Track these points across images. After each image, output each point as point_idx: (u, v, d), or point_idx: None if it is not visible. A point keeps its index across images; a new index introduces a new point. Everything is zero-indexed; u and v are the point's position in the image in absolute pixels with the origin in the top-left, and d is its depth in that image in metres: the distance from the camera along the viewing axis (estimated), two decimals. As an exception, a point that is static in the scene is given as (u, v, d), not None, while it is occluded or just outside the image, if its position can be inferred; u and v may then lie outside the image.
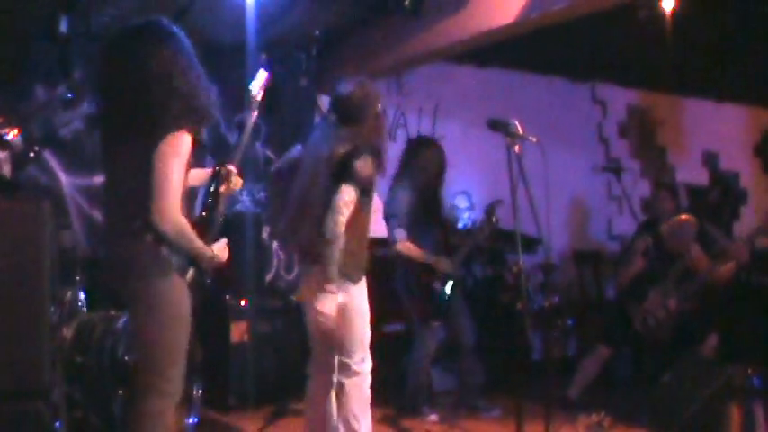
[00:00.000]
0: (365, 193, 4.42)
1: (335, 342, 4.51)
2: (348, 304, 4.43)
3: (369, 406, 4.56)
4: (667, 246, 6.35)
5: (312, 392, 4.69)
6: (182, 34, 3.66)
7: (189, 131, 3.36)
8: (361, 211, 4.44)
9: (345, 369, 4.49)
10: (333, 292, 4.37)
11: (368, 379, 4.55)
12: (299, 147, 4.65)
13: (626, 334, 6.43)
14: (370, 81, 4.83)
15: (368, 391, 4.56)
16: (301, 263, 4.59)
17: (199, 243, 3.43)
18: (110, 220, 3.58)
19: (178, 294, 3.43)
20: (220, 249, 3.58)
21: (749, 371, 4.83)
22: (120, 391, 4.80)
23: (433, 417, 6.16)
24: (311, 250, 4.43)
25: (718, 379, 4.97)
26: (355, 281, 4.44)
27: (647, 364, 6.93)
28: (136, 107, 3.37)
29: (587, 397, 6.36)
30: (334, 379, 4.59)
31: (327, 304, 4.41)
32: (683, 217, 6.45)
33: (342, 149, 4.38)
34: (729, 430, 4.73)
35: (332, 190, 4.33)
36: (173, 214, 3.30)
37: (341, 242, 4.30)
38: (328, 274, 4.30)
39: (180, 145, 3.32)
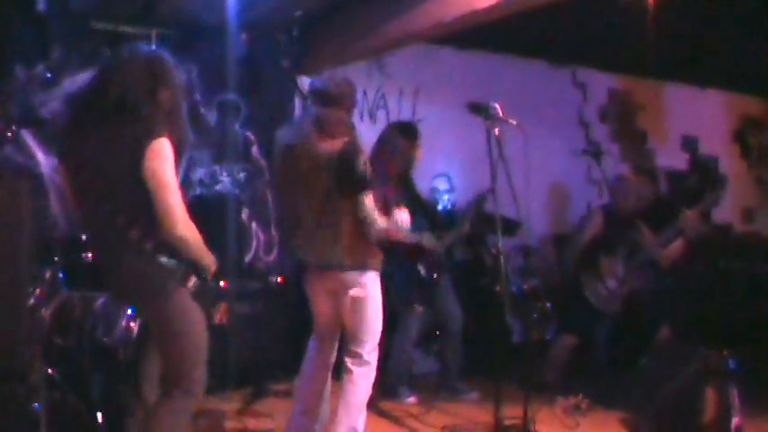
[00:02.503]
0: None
1: (348, 332, 4.58)
2: (364, 295, 4.48)
3: (368, 397, 4.62)
4: (618, 215, 6.42)
5: (310, 372, 4.73)
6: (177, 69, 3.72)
7: (165, 137, 3.38)
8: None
9: (357, 358, 4.55)
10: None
11: (374, 371, 4.61)
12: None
13: (585, 318, 6.47)
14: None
15: (371, 383, 4.61)
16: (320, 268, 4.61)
17: (203, 245, 3.51)
18: (98, 234, 3.59)
19: (189, 302, 3.51)
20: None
21: (725, 354, 4.87)
22: (100, 373, 4.79)
23: (413, 399, 6.19)
24: (333, 262, 4.46)
25: (694, 362, 5.01)
26: (374, 268, 4.50)
27: (623, 347, 6.97)
28: (118, 121, 3.40)
29: (565, 380, 6.40)
30: (332, 360, 4.72)
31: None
32: (625, 174, 6.58)
33: (332, 148, 4.36)
34: (706, 413, 4.77)
35: (338, 197, 4.37)
36: (183, 217, 3.36)
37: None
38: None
39: (165, 149, 3.35)
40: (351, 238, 4.39)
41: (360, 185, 4.33)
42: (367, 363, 4.55)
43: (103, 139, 3.38)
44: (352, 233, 4.39)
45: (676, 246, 6.30)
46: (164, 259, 3.38)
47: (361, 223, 4.40)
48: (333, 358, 4.76)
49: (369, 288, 4.50)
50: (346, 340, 4.62)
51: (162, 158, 3.32)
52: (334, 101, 4.53)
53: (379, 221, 4.43)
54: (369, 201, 4.38)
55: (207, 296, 3.65)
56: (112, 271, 3.58)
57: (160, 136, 3.34)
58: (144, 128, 3.33)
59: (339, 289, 4.51)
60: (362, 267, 4.46)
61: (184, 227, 3.35)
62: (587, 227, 6.56)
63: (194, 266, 3.50)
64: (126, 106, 3.39)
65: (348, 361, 4.56)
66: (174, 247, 3.38)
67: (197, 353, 3.55)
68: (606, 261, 6.27)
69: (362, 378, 4.54)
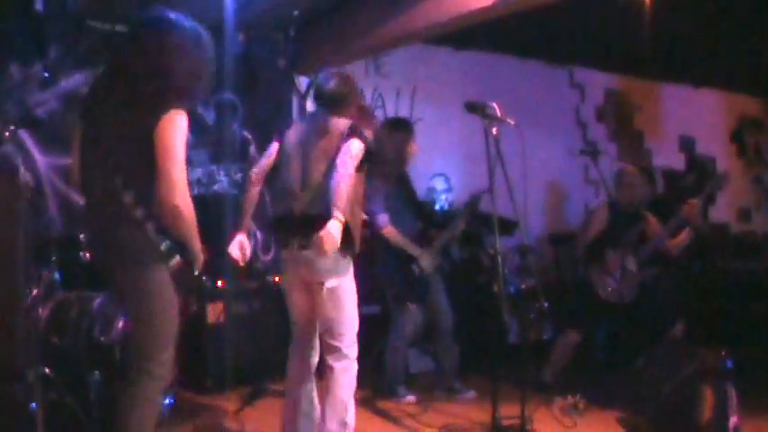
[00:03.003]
0: (363, 163, 4.39)
1: (325, 325, 4.52)
2: (338, 287, 4.42)
3: (354, 390, 4.56)
4: (623, 208, 6.42)
5: (293, 374, 4.69)
6: (183, 24, 3.69)
7: (185, 111, 3.40)
8: (357, 184, 4.42)
9: (335, 352, 4.50)
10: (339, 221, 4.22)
11: (356, 365, 4.55)
12: (275, 143, 4.63)
13: (592, 314, 6.47)
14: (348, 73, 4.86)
15: (355, 378, 4.55)
16: (292, 240, 4.53)
17: (195, 230, 3.48)
18: (95, 201, 3.56)
19: (165, 280, 3.47)
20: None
21: (722, 353, 4.87)
22: (97, 372, 4.79)
23: (410, 398, 6.18)
24: (311, 217, 4.35)
25: (691, 361, 5.01)
26: (346, 256, 4.41)
27: (622, 346, 6.98)
28: (134, 91, 3.40)
29: (562, 380, 6.40)
30: (315, 360, 4.64)
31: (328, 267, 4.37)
32: (627, 168, 6.59)
33: (344, 124, 4.40)
34: (703, 412, 4.77)
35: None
36: (182, 188, 3.33)
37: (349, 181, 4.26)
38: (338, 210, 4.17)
39: (181, 121, 3.36)
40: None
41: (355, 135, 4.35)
42: (346, 356, 4.49)
43: (121, 112, 3.38)
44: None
45: (683, 236, 6.30)
46: (151, 230, 3.37)
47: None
48: (315, 358, 4.72)
49: (344, 280, 4.45)
50: (324, 336, 4.56)
51: (175, 128, 3.33)
52: (341, 103, 4.56)
53: (350, 167, 4.29)
54: (355, 148, 4.31)
55: (186, 281, 3.59)
56: (100, 234, 3.55)
57: (178, 109, 3.36)
58: (164, 98, 3.34)
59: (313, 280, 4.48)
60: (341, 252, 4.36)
61: (181, 199, 3.32)
62: (593, 221, 6.55)
63: (181, 247, 3.47)
64: (141, 83, 3.39)
65: (327, 358, 4.52)
66: (165, 222, 3.36)
67: (166, 335, 3.50)
68: (613, 254, 6.26)
69: (343, 372, 4.48)
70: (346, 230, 4.23)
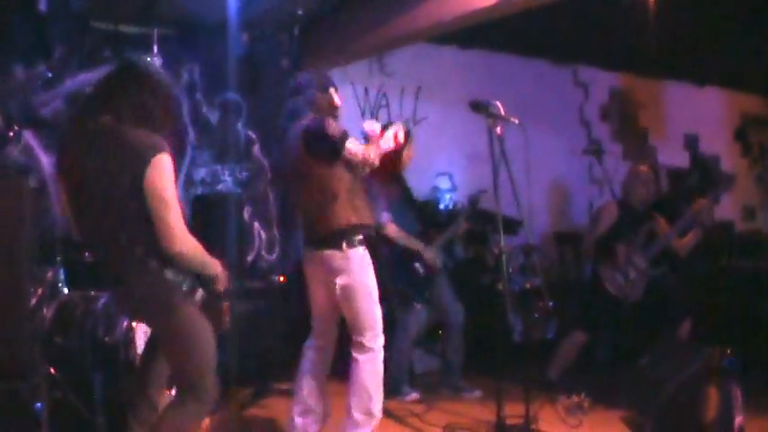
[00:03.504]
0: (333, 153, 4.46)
1: (347, 322, 4.63)
2: (351, 284, 4.50)
3: (381, 382, 4.65)
4: (632, 207, 6.42)
5: (305, 367, 4.78)
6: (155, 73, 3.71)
7: (167, 152, 3.38)
8: (355, 180, 4.53)
9: (358, 346, 4.59)
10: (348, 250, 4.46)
11: (381, 354, 4.64)
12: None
13: (601, 315, 6.46)
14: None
15: (381, 367, 4.64)
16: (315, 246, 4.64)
17: (208, 257, 3.51)
18: (106, 258, 3.57)
19: (195, 314, 3.51)
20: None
21: (727, 352, 4.86)
22: (101, 372, 4.80)
23: (414, 395, 6.19)
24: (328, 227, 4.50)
25: (696, 360, 5.00)
26: (354, 244, 4.48)
27: (626, 346, 6.97)
28: (117, 137, 3.39)
29: (567, 379, 6.39)
30: (329, 356, 4.79)
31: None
32: (641, 167, 6.58)
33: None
34: (707, 411, 4.76)
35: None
36: (182, 233, 3.34)
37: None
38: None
39: (167, 164, 3.35)
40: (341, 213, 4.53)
41: (332, 147, 4.42)
42: (370, 349, 4.59)
43: (103, 156, 3.37)
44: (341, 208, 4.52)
45: (690, 236, 6.30)
46: (170, 274, 3.39)
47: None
48: (330, 354, 4.80)
49: (358, 275, 4.53)
50: (348, 331, 4.67)
51: (162, 174, 3.31)
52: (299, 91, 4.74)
53: (370, 150, 4.49)
54: (353, 145, 4.44)
55: (214, 307, 3.64)
56: (119, 286, 3.59)
57: (161, 152, 3.33)
58: (144, 143, 3.33)
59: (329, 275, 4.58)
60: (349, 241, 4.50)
61: (182, 243, 3.34)
62: (602, 218, 6.54)
63: (199, 279, 3.51)
64: (124, 122, 3.40)
65: (352, 351, 4.61)
66: (176, 263, 3.39)
67: (205, 363, 3.55)
68: (623, 250, 6.26)
69: (368, 363, 4.58)
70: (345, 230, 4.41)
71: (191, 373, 3.53)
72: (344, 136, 4.42)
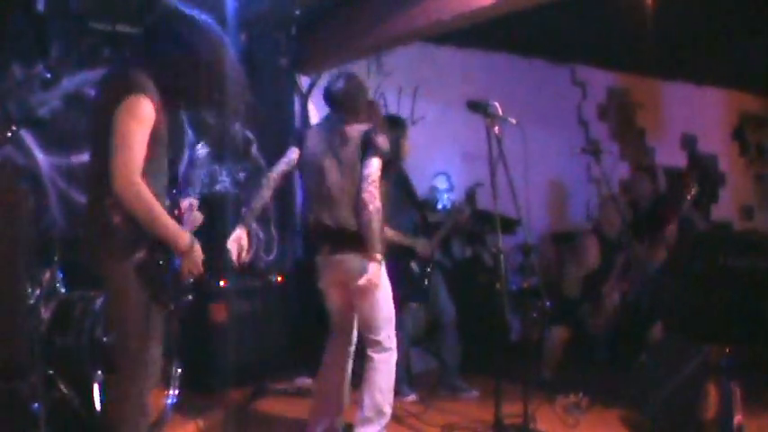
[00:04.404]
0: (385, 168, 4.53)
1: (363, 322, 4.72)
2: (368, 286, 4.52)
3: (393, 381, 4.73)
4: (608, 236, 6.52)
5: (327, 363, 4.89)
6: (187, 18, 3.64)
7: (149, 98, 3.30)
8: (380, 188, 4.56)
9: (374, 345, 4.69)
10: (378, 261, 4.48)
11: (395, 354, 4.74)
12: (293, 149, 4.76)
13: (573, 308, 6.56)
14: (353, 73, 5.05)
15: (394, 367, 4.73)
16: (331, 251, 4.70)
17: (165, 220, 3.32)
18: (87, 199, 3.53)
19: (128, 280, 3.33)
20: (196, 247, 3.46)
21: (726, 351, 4.87)
22: (99, 372, 4.79)
23: (412, 397, 6.19)
24: (347, 232, 4.56)
25: (694, 358, 5.00)
26: (381, 262, 4.53)
27: (624, 345, 6.98)
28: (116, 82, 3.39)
29: (565, 378, 6.40)
30: (349, 351, 4.86)
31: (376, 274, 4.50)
32: (605, 193, 6.67)
33: (358, 131, 4.58)
34: (707, 409, 4.77)
35: (359, 167, 4.51)
36: (129, 173, 3.19)
37: (380, 213, 4.47)
38: (373, 247, 4.44)
39: (137, 107, 3.26)
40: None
41: (370, 150, 4.55)
42: (386, 349, 4.69)
43: (105, 99, 3.36)
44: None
45: (659, 252, 6.39)
46: (125, 230, 3.26)
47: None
48: (350, 349, 4.89)
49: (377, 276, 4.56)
50: (362, 331, 4.76)
51: (129, 115, 3.22)
52: (352, 104, 4.72)
53: (374, 190, 4.52)
54: (373, 166, 4.53)
55: (158, 277, 3.41)
56: (83, 235, 3.52)
57: (136, 94, 3.26)
58: (127, 83, 3.29)
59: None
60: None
61: (124, 187, 3.18)
62: (584, 259, 6.66)
63: (156, 244, 3.35)
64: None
65: (368, 349, 4.70)
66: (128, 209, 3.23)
67: (140, 334, 3.36)
68: (605, 289, 6.36)
69: (383, 363, 4.67)
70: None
71: (127, 341, 3.37)
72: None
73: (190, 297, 3.70)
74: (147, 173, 3.27)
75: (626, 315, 6.38)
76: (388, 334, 4.68)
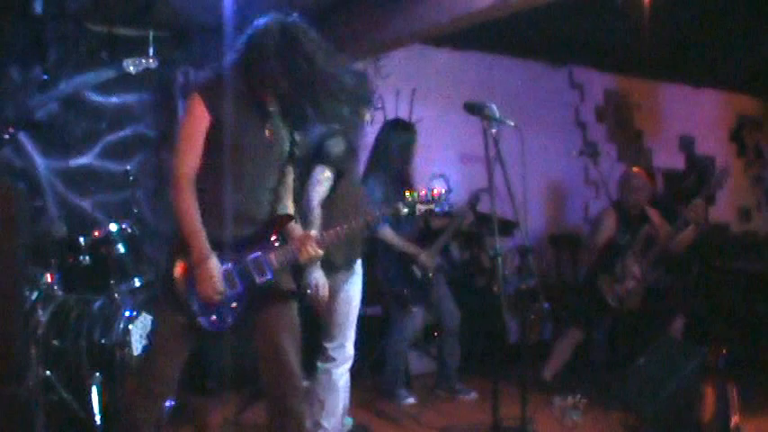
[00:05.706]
0: (341, 174, 4.47)
1: (322, 323, 4.66)
2: (336, 291, 4.52)
3: (339, 395, 4.64)
4: (630, 213, 6.45)
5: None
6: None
7: (200, 96, 3.43)
8: (340, 194, 4.48)
9: (323, 353, 4.62)
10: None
11: (341, 367, 4.62)
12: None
13: (597, 315, 6.49)
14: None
15: (338, 383, 4.63)
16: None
17: (189, 225, 3.33)
18: None
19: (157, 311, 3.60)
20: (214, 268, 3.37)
21: (723, 352, 4.88)
22: (97, 374, 4.79)
23: (411, 400, 6.18)
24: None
25: (692, 360, 5.01)
26: (341, 268, 4.48)
27: (622, 346, 6.98)
28: None
29: (563, 380, 6.40)
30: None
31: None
32: (634, 169, 6.63)
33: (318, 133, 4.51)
34: (703, 410, 4.77)
35: (305, 172, 4.45)
36: (174, 175, 3.36)
37: (317, 220, 4.34)
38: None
39: (190, 105, 3.44)
40: None
41: (319, 155, 4.56)
42: (330, 358, 4.62)
43: None
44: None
45: (687, 233, 6.33)
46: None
47: None
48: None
49: (343, 283, 4.57)
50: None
51: (185, 113, 3.45)
52: None
53: (314, 197, 4.49)
54: (319, 174, 4.53)
55: (178, 288, 3.40)
56: None
57: (191, 92, 3.50)
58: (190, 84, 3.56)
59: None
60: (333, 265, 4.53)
61: (172, 184, 3.38)
62: (601, 228, 6.59)
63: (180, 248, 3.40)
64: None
65: (317, 358, 4.65)
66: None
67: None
68: (622, 262, 6.29)
69: (324, 373, 4.62)
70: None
71: None
72: None
73: (214, 318, 3.59)
74: (206, 177, 3.42)
75: (648, 298, 6.33)
76: (338, 343, 4.63)
